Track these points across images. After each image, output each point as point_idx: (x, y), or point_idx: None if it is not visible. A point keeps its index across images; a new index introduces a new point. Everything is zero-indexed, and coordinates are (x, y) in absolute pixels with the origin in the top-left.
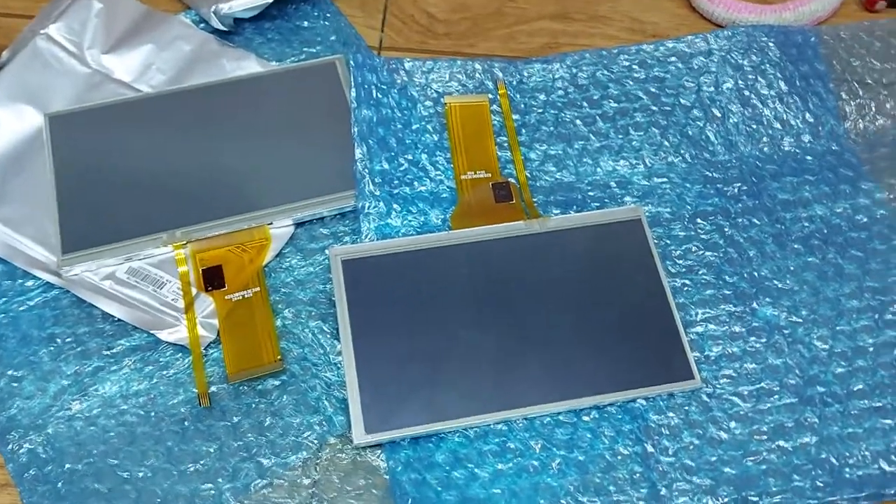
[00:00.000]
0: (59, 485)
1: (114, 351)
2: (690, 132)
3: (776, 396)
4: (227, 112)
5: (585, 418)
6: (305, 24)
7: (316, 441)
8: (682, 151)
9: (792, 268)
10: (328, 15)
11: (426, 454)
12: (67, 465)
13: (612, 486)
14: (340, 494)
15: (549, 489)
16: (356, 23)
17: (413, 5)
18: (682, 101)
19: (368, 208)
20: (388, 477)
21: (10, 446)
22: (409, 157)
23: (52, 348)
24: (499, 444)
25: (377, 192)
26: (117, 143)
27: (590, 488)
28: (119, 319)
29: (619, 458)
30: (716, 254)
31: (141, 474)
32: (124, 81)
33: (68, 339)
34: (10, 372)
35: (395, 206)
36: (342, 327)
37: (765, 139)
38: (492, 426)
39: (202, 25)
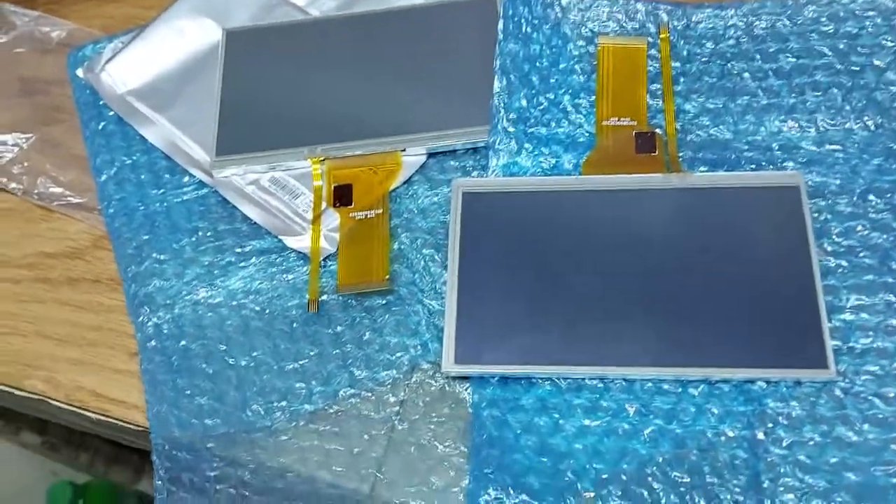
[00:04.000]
0: (173, 358)
1: (245, 250)
2: (880, 97)
3: None
4: (383, 40)
5: (692, 391)
6: None
7: (409, 363)
8: (865, 118)
9: None
10: None
11: (513, 395)
12: (183, 343)
13: (708, 466)
14: (423, 418)
15: (637, 455)
16: None
17: None
18: (875, 61)
19: (499, 144)
20: (471, 410)
21: (140, 318)
22: (551, 96)
23: (194, 239)
24: (591, 399)
25: (511, 129)
26: (281, 61)
27: (682, 464)
28: (254, 222)
29: (724, 439)
30: (885, 236)
31: (244, 363)
32: (298, 5)
33: (209, 234)
34: (155, 254)
35: (526, 145)
36: (451, 257)
37: None
38: (587, 381)
39: None
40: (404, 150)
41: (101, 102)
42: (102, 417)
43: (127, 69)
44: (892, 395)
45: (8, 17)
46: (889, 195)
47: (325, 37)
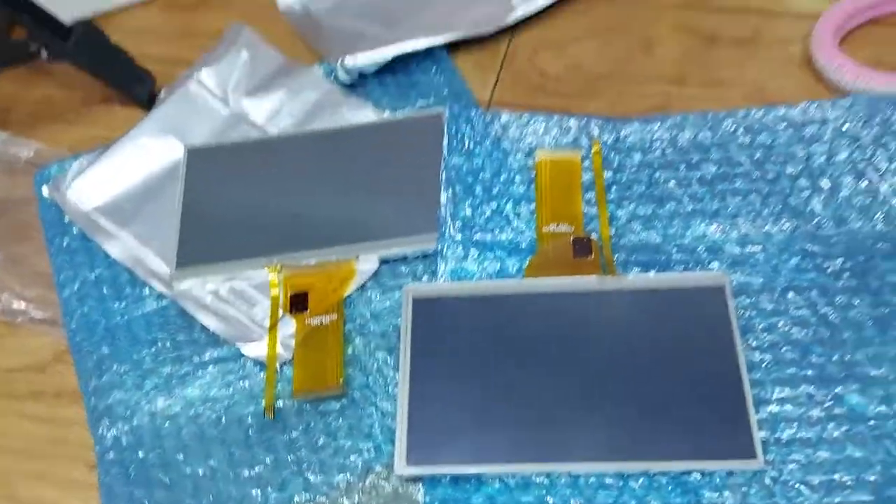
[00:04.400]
0: (130, 469)
1: (203, 359)
2: (794, 202)
3: (849, 491)
4: (337, 155)
5: (633, 484)
6: (422, 78)
7: (362, 466)
8: (781, 221)
9: (892, 356)
10: (445, 70)
11: (464, 495)
12: (140, 454)
13: None
14: None
15: None
16: (471, 78)
17: (528, 63)
18: (788, 169)
19: (447, 251)
20: None
21: (100, 431)
22: (494, 205)
23: (153, 350)
24: (538, 496)
25: (457, 237)
26: (239, 176)
27: None
28: (212, 331)
29: None
30: (805, 331)
31: (201, 472)
32: (256, 123)
33: (168, 345)
34: (115, 366)
35: (473, 251)
36: (402, 361)
37: (879, 216)
38: (533, 478)
39: (332, 76)
40: (358, 258)
41: (65, 220)
42: None
43: (91, 186)
44: (816, 482)
45: None
46: (807, 292)
47: (283, 153)
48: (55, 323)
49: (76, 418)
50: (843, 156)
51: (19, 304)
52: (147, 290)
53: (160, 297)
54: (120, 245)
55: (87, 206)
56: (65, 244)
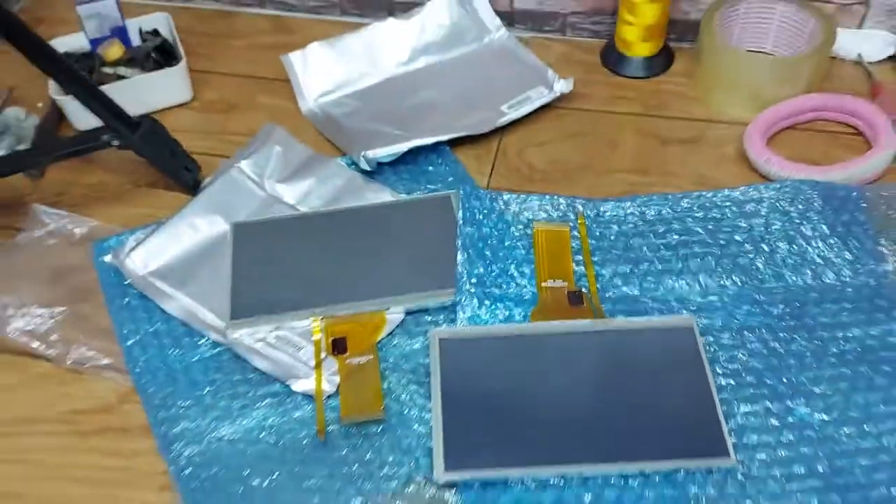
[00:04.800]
0: (206, 483)
1: (258, 394)
2: (742, 262)
3: (804, 480)
4: (364, 227)
5: (632, 482)
6: (430, 168)
7: (405, 476)
8: (734, 277)
9: (827, 377)
10: (449, 162)
11: (492, 496)
12: (214, 470)
13: None
14: None
15: None
16: (470, 168)
17: (517, 157)
18: (735, 237)
19: (464, 302)
20: None
21: (173, 454)
22: (501, 265)
23: (212, 388)
24: (556, 495)
25: (472, 290)
26: (280, 245)
27: None
28: (263, 372)
29: None
30: (759, 361)
31: (266, 484)
32: (290, 204)
33: (224, 384)
34: (179, 402)
35: (486, 302)
36: (433, 388)
37: (808, 272)
38: (550, 480)
39: (353, 167)
40: (388, 309)
41: (124, 282)
42: None
43: (148, 255)
44: (778, 474)
45: (41, 217)
46: (758, 331)
47: (317, 225)
48: (119, 369)
49: (142, 450)
50: (777, 226)
51: (87, 353)
52: (201, 340)
53: (214, 345)
54: (175, 303)
55: (143, 272)
56: (124, 303)
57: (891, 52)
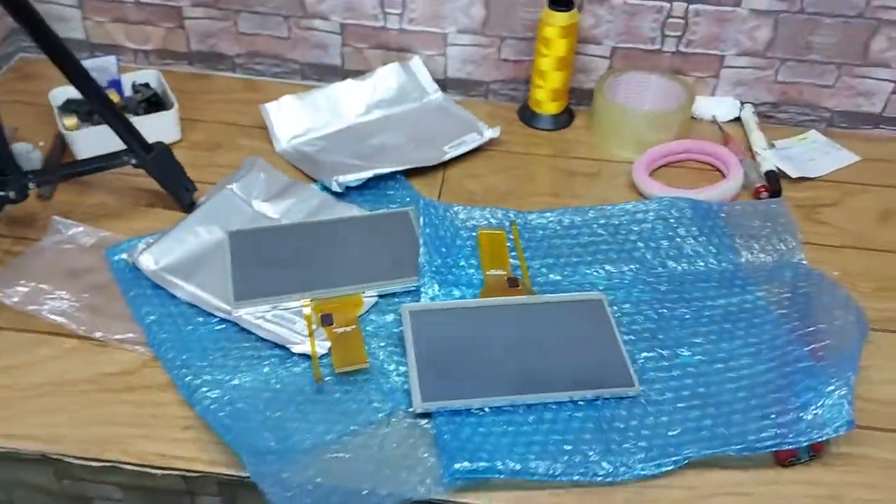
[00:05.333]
0: (228, 414)
1: (262, 355)
2: (636, 255)
3: (689, 400)
4: (339, 233)
5: (565, 409)
6: (390, 192)
7: (389, 409)
8: (630, 266)
9: (702, 332)
10: (405, 188)
11: (458, 419)
12: (237, 405)
13: (576, 442)
14: (404, 438)
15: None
16: (422, 193)
17: (458, 185)
18: (630, 237)
19: (426, 285)
20: (433, 431)
21: (198, 395)
22: (454, 259)
23: (223, 353)
24: (509, 418)
25: (433, 277)
26: (270, 245)
27: (564, 442)
28: (266, 339)
29: (585, 426)
30: (652, 323)
31: (276, 415)
32: (274, 218)
33: (234, 349)
34: (197, 363)
35: (443, 286)
36: (408, 348)
37: (684, 261)
38: (504, 408)
39: (325, 191)
40: (364, 293)
41: (138, 276)
42: (168, 472)
43: (158, 254)
44: (670, 398)
45: (58, 227)
46: (651, 303)
47: (301, 232)
48: (140, 343)
49: (166, 400)
50: (660, 229)
51: (111, 328)
52: (210, 319)
53: (221, 321)
54: (185, 291)
55: (155, 267)
56: (140, 292)
57: (735, 114)
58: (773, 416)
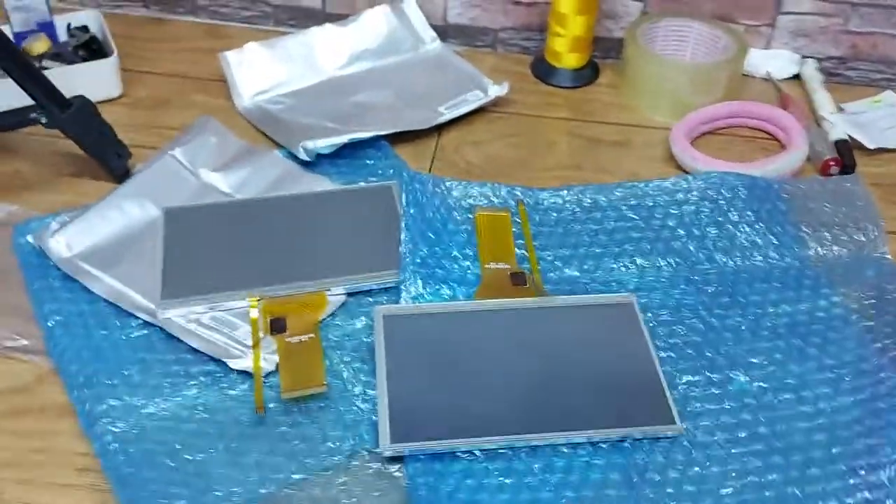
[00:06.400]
0: (136, 457)
1: (190, 372)
2: (676, 246)
3: (747, 444)
4: (304, 212)
5: (581, 451)
6: (370, 161)
7: (349, 451)
8: (668, 259)
9: (762, 348)
10: (389, 157)
11: (440, 469)
12: (145, 445)
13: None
14: (366, 491)
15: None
16: (410, 164)
17: (455, 153)
18: (668, 222)
19: (408, 282)
20: (406, 483)
21: (99, 429)
22: (444, 248)
23: (140, 367)
24: (505, 465)
25: (417, 271)
26: (215, 228)
27: (580, 500)
28: (198, 350)
29: (609, 478)
30: (697, 335)
31: (198, 458)
32: (225, 192)
33: (155, 363)
34: (105, 380)
35: (430, 282)
36: (378, 363)
37: (737, 254)
38: (499, 451)
39: (290, 159)
40: (329, 290)
41: (47, 263)
42: None
43: (73, 237)
44: (722, 440)
45: None
46: (694, 309)
47: (255, 210)
48: (37, 351)
49: (62, 429)
50: (706, 213)
51: (2, 334)
52: (131, 321)
53: (144, 325)
54: (102, 284)
55: (68, 254)
56: (46, 284)
57: (794, 71)
58: (861, 471)
